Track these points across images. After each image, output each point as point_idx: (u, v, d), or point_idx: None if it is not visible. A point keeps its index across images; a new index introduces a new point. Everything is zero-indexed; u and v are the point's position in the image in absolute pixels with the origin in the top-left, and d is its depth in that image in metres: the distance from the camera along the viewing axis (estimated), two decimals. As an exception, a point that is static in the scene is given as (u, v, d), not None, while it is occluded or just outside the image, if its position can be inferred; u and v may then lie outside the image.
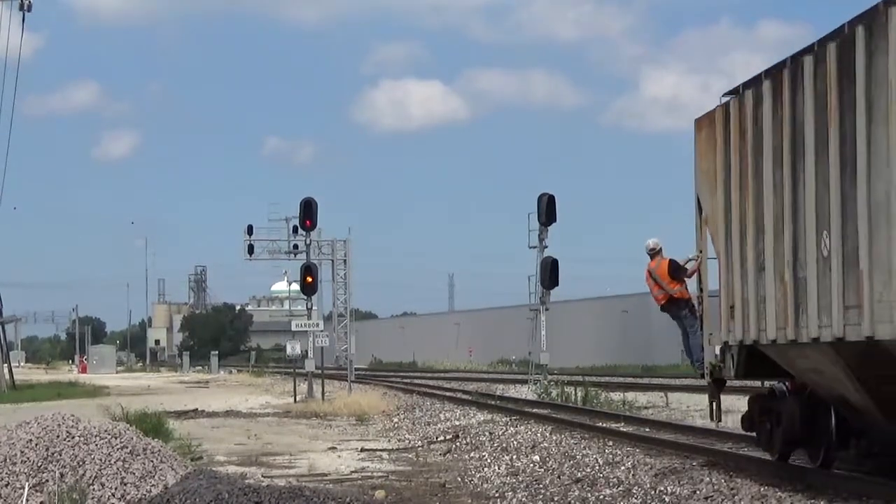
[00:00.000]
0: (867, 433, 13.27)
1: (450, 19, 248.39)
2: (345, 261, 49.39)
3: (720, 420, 17.01)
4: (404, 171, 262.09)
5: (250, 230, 44.50)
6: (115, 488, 13.75)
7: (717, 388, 16.09)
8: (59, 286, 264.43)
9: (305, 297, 41.02)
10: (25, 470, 13.89)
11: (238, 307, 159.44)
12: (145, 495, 13.63)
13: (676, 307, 19.58)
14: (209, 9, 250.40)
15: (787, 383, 14.78)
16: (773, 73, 13.32)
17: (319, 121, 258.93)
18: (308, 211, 38.81)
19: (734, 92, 14.55)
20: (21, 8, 48.82)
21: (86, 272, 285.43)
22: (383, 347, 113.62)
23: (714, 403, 16.56)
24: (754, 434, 15.67)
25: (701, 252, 16.12)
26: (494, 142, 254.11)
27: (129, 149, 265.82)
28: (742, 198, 14.18)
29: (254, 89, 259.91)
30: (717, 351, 15.48)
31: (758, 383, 16.36)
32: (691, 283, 18.65)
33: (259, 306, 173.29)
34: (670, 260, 19.49)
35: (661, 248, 19.90)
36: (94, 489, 13.68)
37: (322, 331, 40.35)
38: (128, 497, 13.64)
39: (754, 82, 13.84)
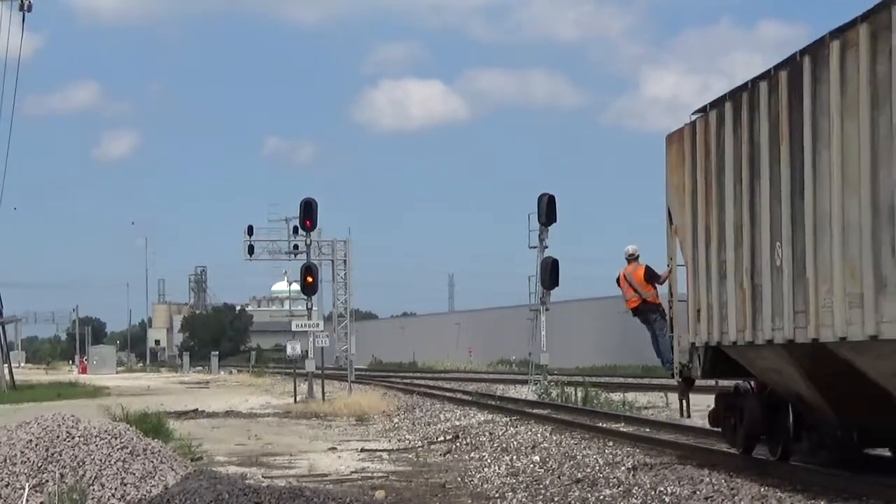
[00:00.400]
0: (819, 428, 14.30)
1: (450, 19, 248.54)
2: (345, 261, 49.44)
3: (689, 416, 18.66)
4: (404, 171, 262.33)
5: (250, 230, 44.51)
6: (115, 489, 13.76)
7: (686, 386, 17.33)
8: (59, 286, 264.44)
9: (305, 298, 41.02)
10: (25, 470, 13.90)
11: (238, 307, 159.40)
12: (145, 496, 13.63)
13: (648, 311, 20.43)
14: (209, 9, 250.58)
15: (751, 383, 15.76)
16: (735, 95, 14.36)
17: (319, 121, 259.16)
18: (308, 211, 38.80)
19: (702, 111, 15.48)
20: (21, 8, 48.82)
21: (86, 272, 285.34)
22: (383, 348, 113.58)
23: (684, 401, 18.10)
24: (720, 429, 16.76)
25: (672, 260, 17.12)
26: (494, 142, 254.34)
27: (129, 149, 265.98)
28: (707, 210, 15.30)
29: (254, 89, 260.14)
30: (686, 352, 16.51)
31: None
32: (662, 289, 19.50)
33: (259, 306, 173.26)
34: (647, 266, 20.21)
35: (639, 255, 20.59)
36: (94, 489, 13.68)
37: (322, 331, 40.33)
38: (128, 497, 13.64)
39: (718, 103, 14.88)
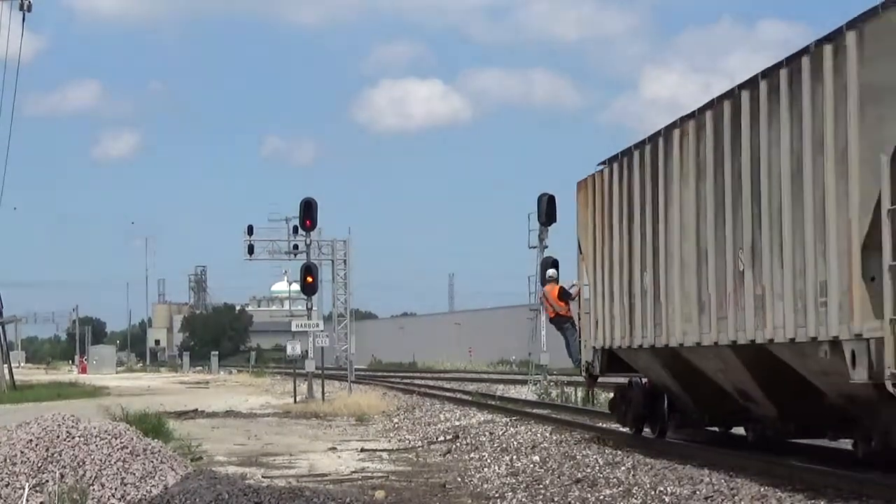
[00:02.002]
0: (683, 411, 18.54)
1: (450, 19, 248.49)
2: (345, 261, 49.35)
3: (594, 404, 24.74)
4: (404, 171, 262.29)
5: (250, 230, 44.43)
6: (115, 488, 13.76)
7: (591, 381, 21.65)
8: (59, 286, 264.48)
9: (305, 298, 40.99)
10: (25, 470, 13.90)
11: (238, 307, 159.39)
12: (145, 496, 13.63)
13: (561, 322, 25.74)
14: (209, 8, 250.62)
15: (643, 379, 19.63)
16: (622, 156, 18.67)
17: (319, 121, 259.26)
18: (308, 211, 38.78)
19: (603, 163, 19.62)
20: (21, 8, 48.77)
21: (86, 272, 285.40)
22: (383, 348, 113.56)
23: (590, 392, 24.24)
24: (616, 414, 20.86)
25: (580, 280, 21.35)
26: (494, 141, 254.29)
27: (129, 149, 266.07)
28: (602, 244, 19.71)
29: (254, 89, 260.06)
30: (590, 354, 20.55)
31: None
32: (574, 305, 24.11)
33: (259, 306, 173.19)
34: (560, 286, 25.74)
35: (557, 278, 26.39)
36: (94, 489, 13.69)
37: (322, 331, 40.29)
38: (128, 497, 13.64)
39: (611, 161, 19.18)
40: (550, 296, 25.82)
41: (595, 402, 24.10)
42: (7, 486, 13.75)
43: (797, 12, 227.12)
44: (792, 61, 13.23)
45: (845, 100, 12.07)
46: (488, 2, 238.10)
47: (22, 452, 14.16)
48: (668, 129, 16.59)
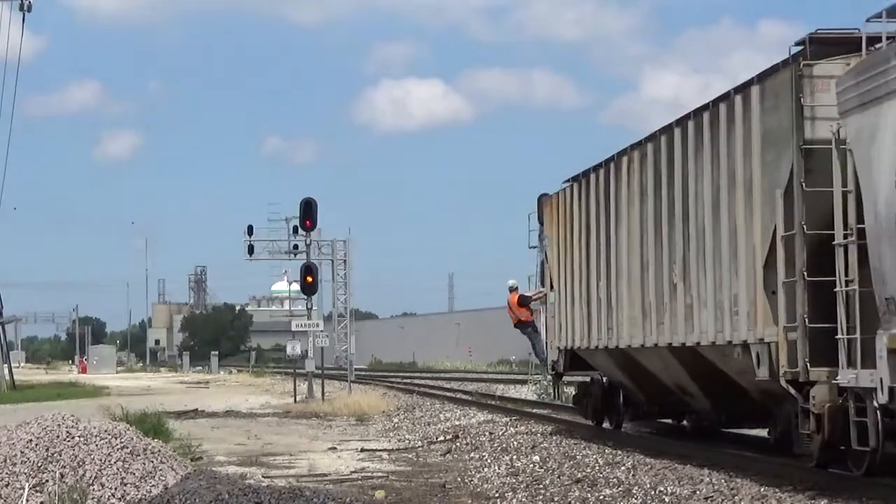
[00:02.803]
0: (636, 405, 20.80)
1: (450, 19, 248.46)
2: (345, 261, 49.38)
3: (559, 399, 27.73)
4: (404, 171, 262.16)
5: (250, 230, 44.39)
6: (115, 488, 13.76)
7: (557, 378, 24.59)
8: (59, 286, 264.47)
9: (305, 297, 40.99)
10: (25, 470, 13.90)
11: (238, 307, 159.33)
12: (145, 496, 13.63)
13: (523, 326, 28.78)
14: (209, 8, 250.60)
15: (603, 377, 21.73)
16: (581, 176, 21.09)
17: (319, 121, 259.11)
18: (308, 211, 38.76)
19: (567, 181, 21.93)
20: (21, 8, 48.76)
21: (86, 272, 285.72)
22: (383, 347, 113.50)
23: (556, 388, 27.54)
24: (578, 407, 23.28)
25: (546, 286, 23.73)
26: (495, 141, 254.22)
27: (129, 149, 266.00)
28: (565, 255, 22.09)
29: (254, 89, 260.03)
30: (556, 354, 22.90)
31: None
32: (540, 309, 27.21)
33: (259, 306, 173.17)
34: (520, 294, 28.93)
35: (517, 287, 29.47)
36: (94, 489, 13.68)
37: (322, 331, 40.28)
38: (128, 497, 13.64)
39: (573, 179, 21.58)
40: (512, 303, 28.69)
41: (561, 396, 27.86)
42: (7, 486, 13.75)
43: (798, 12, 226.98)
44: (714, 106, 15.47)
45: (751, 143, 14.41)
46: (488, 2, 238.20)
47: (22, 452, 14.15)
48: (620, 155, 19.05)
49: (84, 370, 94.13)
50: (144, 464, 14.26)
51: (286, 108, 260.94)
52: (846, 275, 12.55)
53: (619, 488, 14.58)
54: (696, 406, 18.56)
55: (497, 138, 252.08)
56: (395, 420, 29.47)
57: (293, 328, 39.37)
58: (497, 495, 14.94)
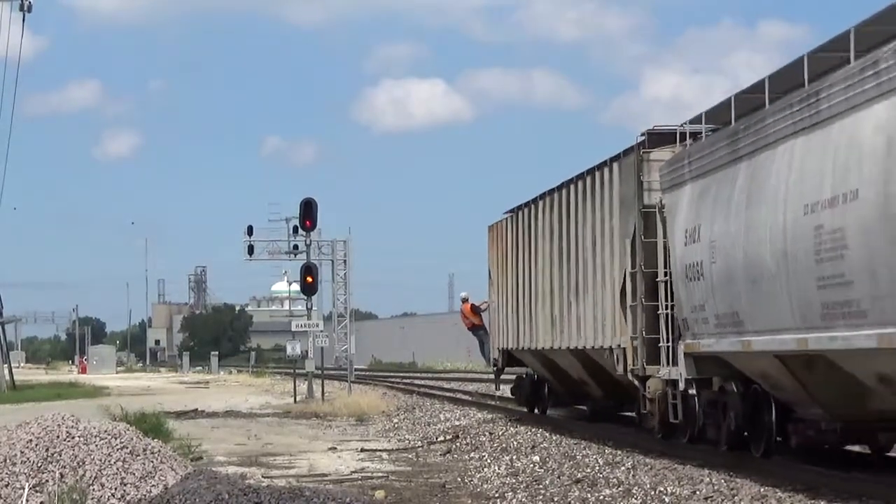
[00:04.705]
0: (557, 395, 25.81)
1: (450, 19, 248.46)
2: (345, 261, 49.41)
3: (500, 390, 32.02)
4: (404, 171, 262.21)
5: (250, 230, 44.34)
6: (115, 488, 13.75)
7: (498, 374, 29.46)
8: (59, 286, 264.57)
9: (305, 298, 40.96)
10: (25, 470, 13.89)
11: (238, 307, 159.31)
12: (145, 496, 13.62)
13: (476, 330, 32.78)
14: (209, 8, 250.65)
15: (534, 372, 26.71)
16: (517, 210, 26.01)
17: (319, 121, 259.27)
18: (308, 211, 38.73)
19: (509, 212, 26.77)
20: (21, 8, 48.71)
21: (86, 272, 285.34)
22: (383, 348, 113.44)
23: (497, 382, 30.95)
24: (515, 397, 28.32)
25: (489, 298, 29.22)
26: (495, 141, 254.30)
27: (129, 148, 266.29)
28: (503, 275, 27.38)
29: (254, 89, 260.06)
30: (497, 353, 28.17)
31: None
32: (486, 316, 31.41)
33: (259, 306, 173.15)
34: (472, 304, 32.63)
35: (468, 297, 33.32)
36: (94, 489, 13.67)
37: (322, 331, 40.27)
38: (128, 497, 13.63)
39: (511, 212, 26.59)
40: (466, 311, 33.20)
41: (499, 388, 31.85)
42: (7, 486, 13.73)
43: (799, 12, 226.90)
44: (598, 170, 20.55)
45: (612, 204, 19.77)
46: (489, 2, 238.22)
47: (22, 452, 14.14)
48: (540, 198, 24.18)
49: (84, 370, 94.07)
50: (144, 464, 14.25)
51: (286, 108, 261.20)
52: (666, 301, 18.12)
53: (619, 488, 14.58)
54: (595, 394, 23.48)
55: (497, 138, 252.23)
56: (395, 420, 29.47)
57: (293, 328, 39.35)
58: (497, 495, 14.94)
